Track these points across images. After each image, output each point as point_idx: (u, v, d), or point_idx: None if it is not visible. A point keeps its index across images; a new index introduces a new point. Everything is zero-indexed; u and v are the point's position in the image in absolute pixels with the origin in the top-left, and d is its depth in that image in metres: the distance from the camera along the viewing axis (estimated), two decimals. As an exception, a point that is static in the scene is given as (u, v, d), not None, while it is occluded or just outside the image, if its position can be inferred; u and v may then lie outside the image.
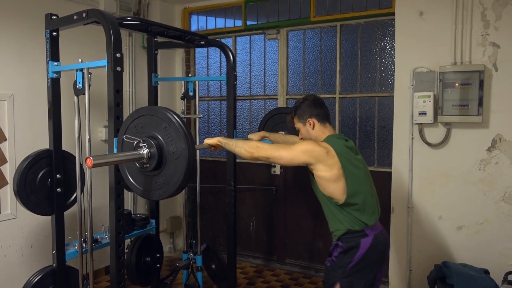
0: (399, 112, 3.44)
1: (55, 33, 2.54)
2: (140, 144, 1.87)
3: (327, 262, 2.20)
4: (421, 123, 3.31)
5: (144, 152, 1.84)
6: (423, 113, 3.24)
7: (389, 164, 3.64)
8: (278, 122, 3.26)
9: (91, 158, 1.63)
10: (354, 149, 2.26)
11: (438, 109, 3.22)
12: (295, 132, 2.97)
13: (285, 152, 2.11)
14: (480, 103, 3.07)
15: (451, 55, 3.20)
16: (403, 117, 3.41)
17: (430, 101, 3.21)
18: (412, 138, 3.38)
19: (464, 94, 3.12)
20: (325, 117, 2.29)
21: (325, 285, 2.20)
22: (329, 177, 2.09)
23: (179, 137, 1.78)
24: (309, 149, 2.09)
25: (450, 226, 3.29)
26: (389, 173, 3.57)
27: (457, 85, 3.14)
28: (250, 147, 2.16)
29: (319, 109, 2.28)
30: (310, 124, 2.27)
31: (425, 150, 3.35)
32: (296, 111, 2.33)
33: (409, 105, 3.36)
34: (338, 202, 2.11)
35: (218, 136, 2.40)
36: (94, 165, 1.64)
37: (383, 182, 3.67)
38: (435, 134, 3.30)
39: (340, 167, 2.08)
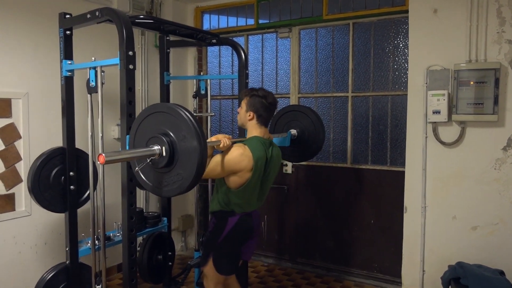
0: (413, 110, 3.40)
1: (68, 32, 2.57)
2: (152, 141, 1.87)
3: (204, 237, 2.65)
4: (435, 122, 3.26)
5: (156, 148, 1.84)
6: (437, 112, 3.20)
7: (402, 163, 3.60)
8: (290, 119, 3.24)
9: (103, 154, 1.64)
10: (270, 157, 2.47)
11: (452, 108, 3.17)
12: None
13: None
14: (496, 102, 3.02)
15: (466, 53, 3.15)
16: (417, 116, 3.37)
17: (444, 100, 3.17)
18: (426, 137, 3.34)
19: (479, 93, 3.07)
20: (265, 121, 2.51)
21: (203, 257, 2.58)
22: (238, 181, 2.37)
23: (191, 134, 1.78)
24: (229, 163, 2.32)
25: (465, 226, 3.24)
26: (402, 173, 3.54)
27: (472, 83, 3.09)
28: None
29: (266, 114, 2.48)
30: (249, 115, 2.47)
31: (439, 149, 3.30)
32: (250, 95, 2.49)
33: (423, 103, 3.32)
34: (230, 188, 2.40)
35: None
36: (107, 162, 1.65)
37: (396, 181, 3.64)
38: (449, 133, 3.26)
39: (247, 176, 2.34)
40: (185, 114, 1.81)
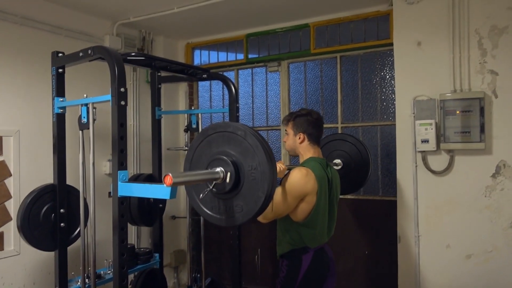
0: (402, 140, 3.45)
1: (61, 70, 2.60)
2: (213, 164, 1.71)
3: (277, 284, 2.33)
4: (424, 151, 3.31)
5: (219, 170, 1.67)
6: (425, 141, 3.25)
7: (394, 193, 3.61)
8: (334, 149, 3.12)
9: (170, 175, 1.51)
10: (331, 178, 2.33)
11: (440, 137, 3.22)
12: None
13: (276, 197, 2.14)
14: (482, 130, 3.08)
15: (451, 83, 3.23)
16: (406, 145, 3.41)
17: (432, 129, 3.23)
18: (416, 166, 3.37)
19: (465, 121, 3.14)
20: (316, 139, 2.39)
21: None
22: (306, 208, 2.20)
23: (259, 152, 1.62)
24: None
25: (459, 255, 3.23)
26: (394, 202, 3.54)
27: (458, 112, 3.16)
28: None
29: (315, 131, 2.37)
30: (299, 138, 2.36)
31: (429, 178, 3.33)
32: (295, 118, 2.40)
33: (411, 133, 3.37)
34: (298, 221, 2.22)
35: None
36: (174, 184, 1.53)
37: (388, 211, 3.64)
38: (438, 161, 3.30)
39: (315, 200, 2.19)
40: (247, 129, 1.63)
